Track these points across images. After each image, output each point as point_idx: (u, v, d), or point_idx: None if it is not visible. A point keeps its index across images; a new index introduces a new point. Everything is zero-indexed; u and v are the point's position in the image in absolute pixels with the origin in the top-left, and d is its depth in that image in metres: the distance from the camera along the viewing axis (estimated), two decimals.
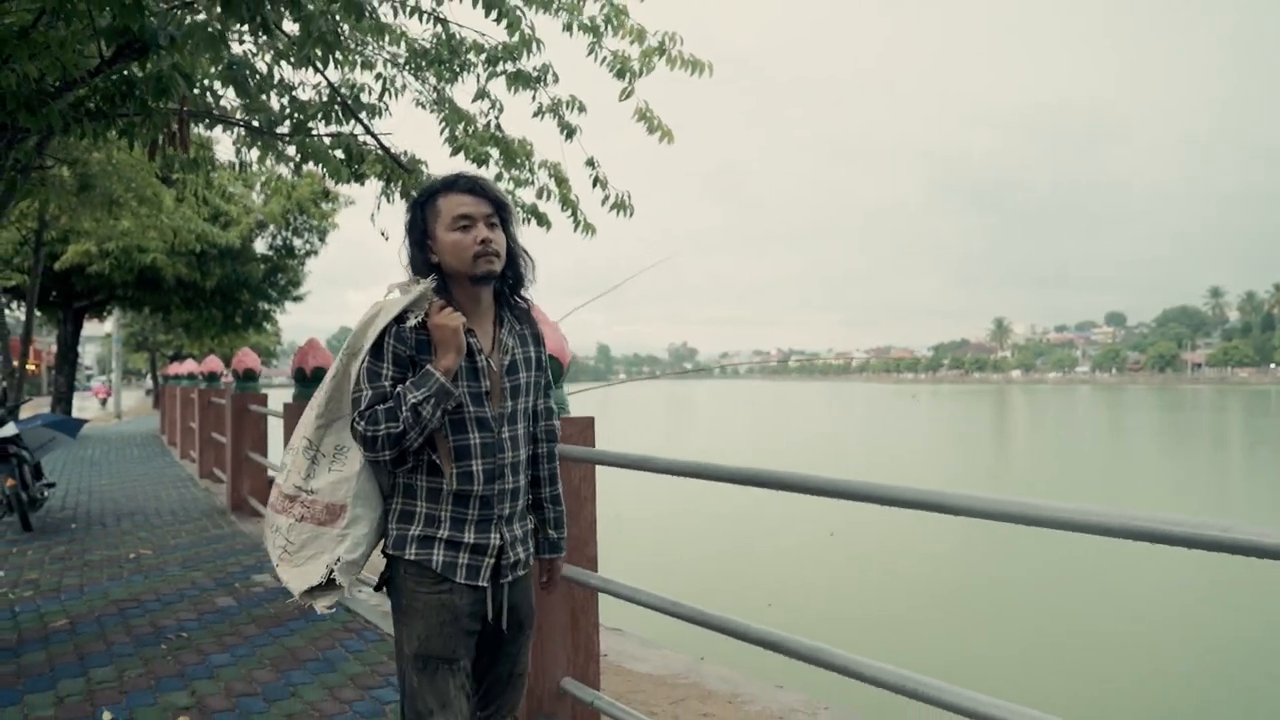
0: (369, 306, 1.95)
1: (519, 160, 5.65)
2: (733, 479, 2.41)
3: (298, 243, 20.66)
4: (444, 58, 5.20)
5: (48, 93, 3.87)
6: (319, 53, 4.00)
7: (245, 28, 3.93)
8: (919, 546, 12.78)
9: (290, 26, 4.26)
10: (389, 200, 5.93)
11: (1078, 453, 29.76)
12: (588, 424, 3.21)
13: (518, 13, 4.73)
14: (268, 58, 5.18)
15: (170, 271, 16.87)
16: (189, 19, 4.04)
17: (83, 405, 32.04)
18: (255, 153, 6.18)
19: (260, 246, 20.33)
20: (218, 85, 5.32)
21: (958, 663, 7.41)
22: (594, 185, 5.33)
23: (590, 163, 5.34)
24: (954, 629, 9.02)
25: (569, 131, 5.27)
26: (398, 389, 1.85)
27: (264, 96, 5.23)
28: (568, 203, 5.66)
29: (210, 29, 3.76)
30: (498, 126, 5.56)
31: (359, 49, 5.33)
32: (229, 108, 5.68)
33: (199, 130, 6.36)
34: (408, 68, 5.48)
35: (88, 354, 70.71)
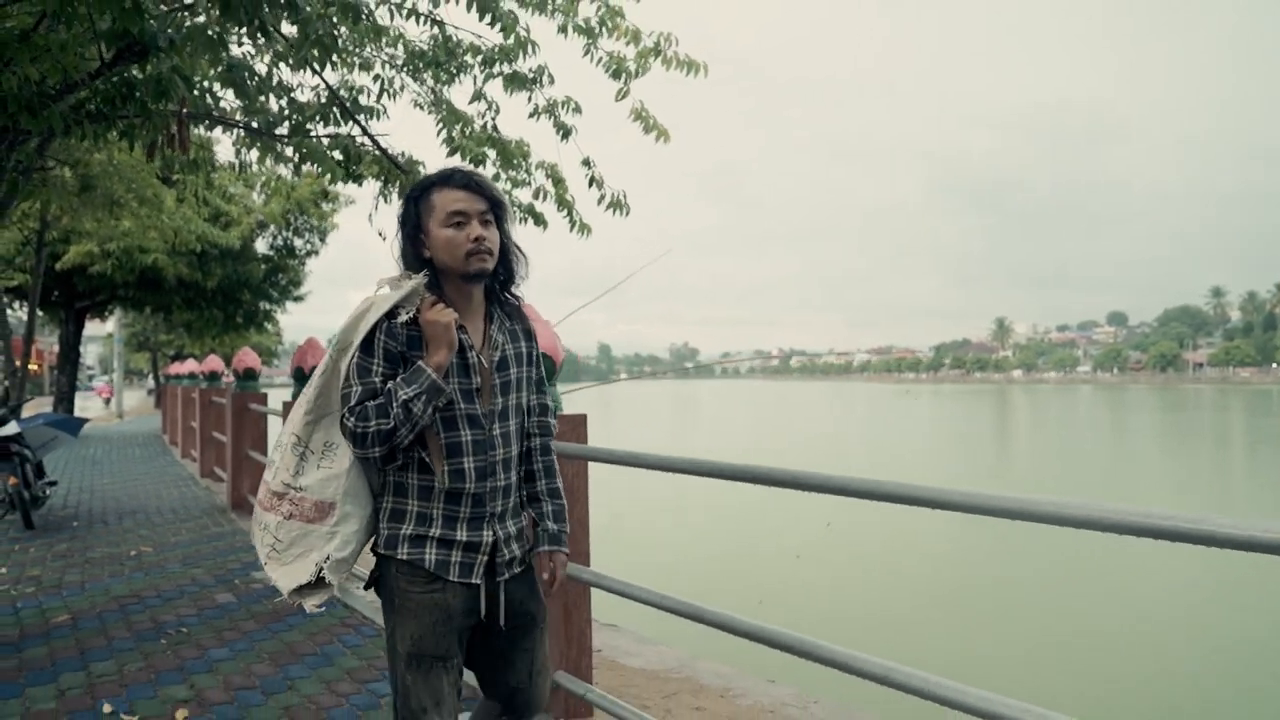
0: (359, 302, 1.93)
1: (516, 161, 5.69)
2: (724, 475, 2.43)
3: (298, 243, 20.73)
4: (441, 59, 5.25)
5: (49, 95, 3.92)
6: (316, 54, 4.05)
7: (244, 30, 3.99)
8: (918, 545, 12.81)
9: (288, 29, 4.31)
10: (386, 201, 5.98)
11: (1078, 452, 29.76)
12: (580, 421, 3.25)
13: (512, 16, 4.78)
14: (266, 60, 5.23)
15: (171, 271, 16.93)
16: (188, 22, 4.09)
17: (85, 405, 32.15)
18: (255, 153, 6.23)
19: (261, 246, 20.39)
20: (217, 87, 5.37)
21: (959, 661, 7.43)
22: (590, 185, 5.38)
23: (586, 163, 5.39)
24: (954, 628, 9.02)
25: (564, 132, 5.32)
26: (389, 385, 1.82)
27: (263, 98, 5.28)
28: (563, 203, 5.71)
29: (210, 32, 3.81)
30: (494, 127, 5.60)
31: (357, 51, 5.38)
32: (228, 109, 5.73)
33: (199, 131, 6.42)
34: (405, 69, 5.53)
35: (90, 354, 70.80)
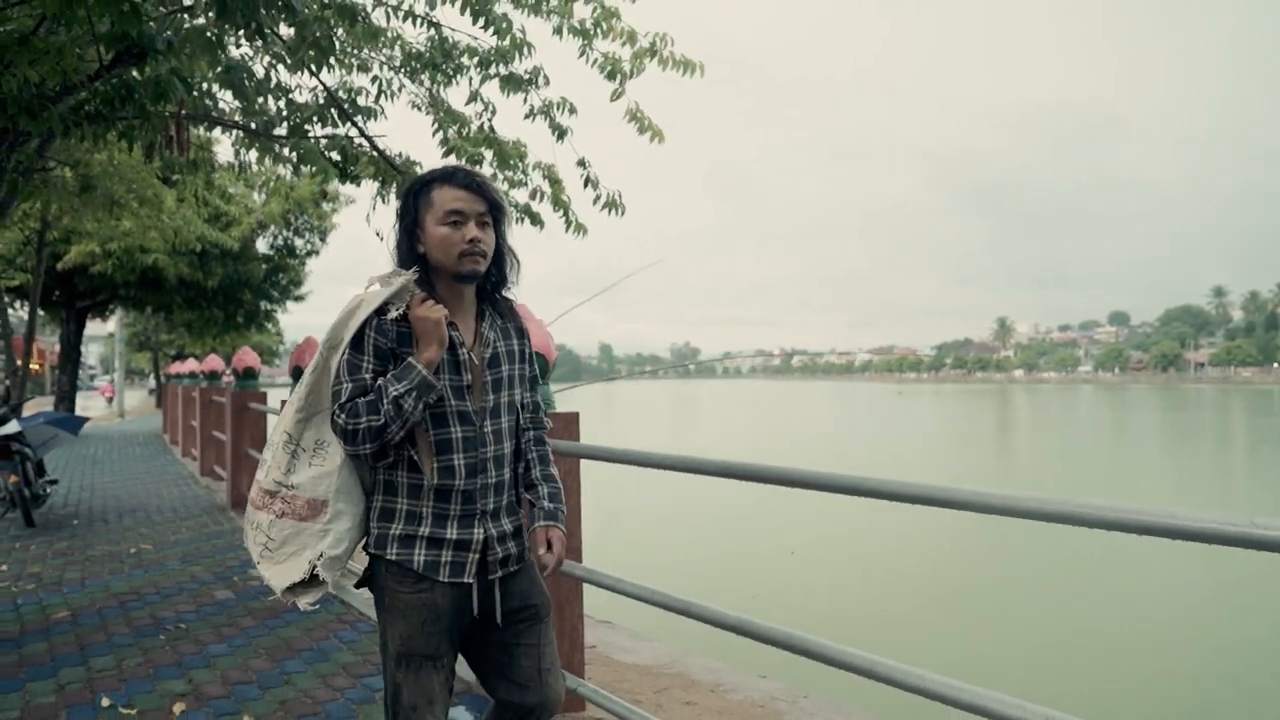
0: (349, 299, 1.93)
1: (513, 161, 5.73)
2: (717, 472, 2.45)
3: (299, 242, 20.78)
4: (438, 61, 5.29)
5: (48, 97, 3.96)
6: (313, 56, 4.09)
7: (241, 33, 4.03)
8: (917, 545, 12.83)
9: (286, 31, 4.36)
10: (384, 201, 6.03)
11: (1079, 452, 29.77)
12: (572, 419, 3.29)
13: (505, 21, 4.82)
14: (265, 61, 5.28)
15: (172, 271, 16.97)
16: (187, 24, 4.13)
17: (87, 404, 32.22)
18: (254, 154, 6.28)
19: (261, 246, 20.43)
20: (216, 88, 5.42)
21: (958, 661, 7.44)
22: (585, 185, 5.41)
23: (581, 163, 5.42)
24: (954, 627, 9.02)
25: (560, 133, 5.36)
26: (379, 382, 1.82)
27: (261, 99, 5.33)
28: (559, 203, 5.74)
29: (208, 34, 3.85)
30: (491, 128, 5.64)
31: (354, 53, 5.42)
32: (227, 110, 5.78)
33: (199, 132, 6.47)
34: (403, 71, 5.57)
35: (91, 353, 70.92)
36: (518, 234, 2.09)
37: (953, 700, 1.80)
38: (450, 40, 5.33)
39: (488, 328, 1.98)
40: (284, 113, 5.52)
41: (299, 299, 23.00)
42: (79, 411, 19.78)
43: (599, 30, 5.02)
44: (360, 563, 2.08)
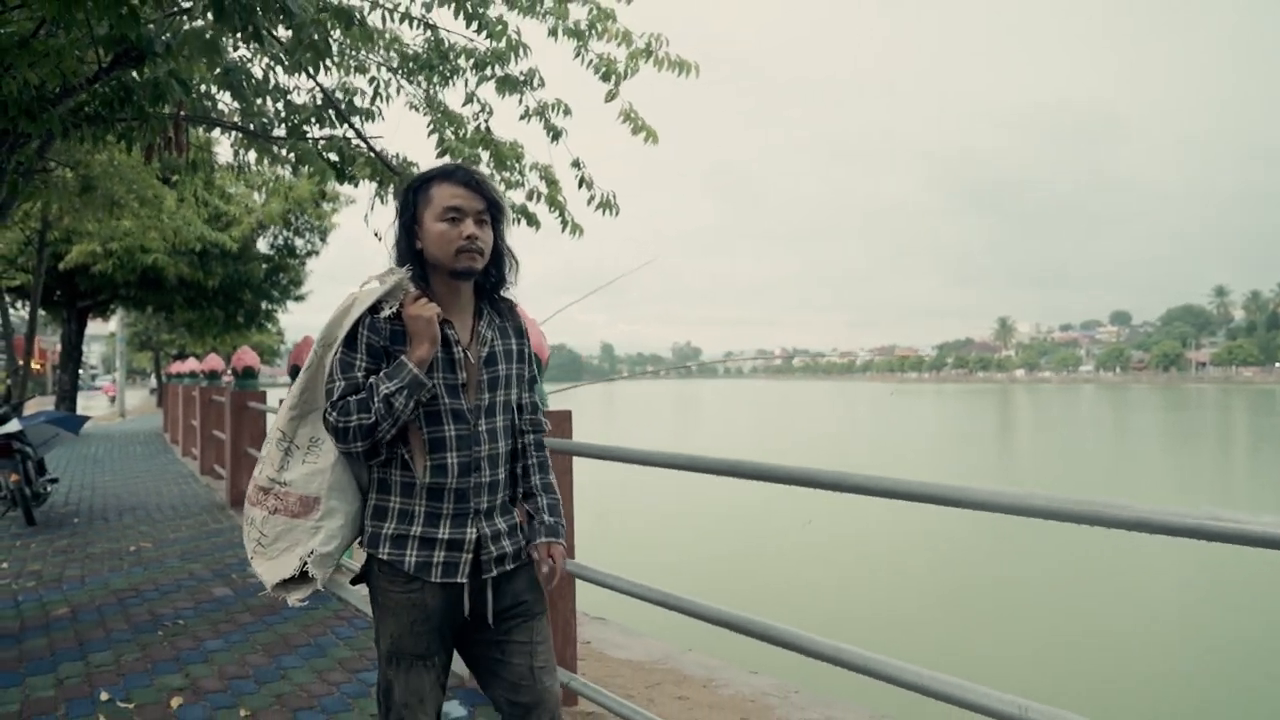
0: (344, 297, 1.94)
1: (509, 162, 5.77)
2: (710, 470, 2.46)
3: (299, 242, 20.84)
4: (434, 63, 5.33)
5: (48, 99, 4.01)
6: (310, 57, 4.13)
7: (239, 35, 4.07)
8: (918, 543, 12.87)
9: (283, 33, 4.39)
10: (382, 201, 6.07)
11: (1079, 452, 29.78)
12: (565, 417, 3.32)
13: (500, 24, 4.86)
14: (263, 63, 5.32)
15: (173, 271, 17.03)
16: (185, 26, 4.17)
17: (89, 403, 32.31)
18: (253, 154, 6.32)
19: (262, 246, 20.48)
20: (215, 89, 5.46)
21: (959, 661, 7.47)
22: (580, 186, 5.45)
23: (576, 164, 5.46)
24: (954, 626, 9.05)
25: (555, 134, 5.40)
26: (371, 380, 1.82)
27: (260, 100, 5.37)
28: (555, 203, 5.78)
29: (207, 36, 3.89)
30: (487, 129, 5.68)
31: (352, 55, 5.46)
32: (226, 111, 5.82)
33: (199, 133, 6.51)
34: (400, 72, 5.61)
35: (92, 353, 71.05)
36: (514, 235, 2.09)
37: (946, 696, 1.81)
38: (446, 42, 5.37)
39: (485, 326, 1.97)
40: (282, 114, 5.56)
41: (299, 299, 23.06)
42: (81, 411, 19.84)
43: (594, 31, 5.05)
44: (359, 559, 2.10)
